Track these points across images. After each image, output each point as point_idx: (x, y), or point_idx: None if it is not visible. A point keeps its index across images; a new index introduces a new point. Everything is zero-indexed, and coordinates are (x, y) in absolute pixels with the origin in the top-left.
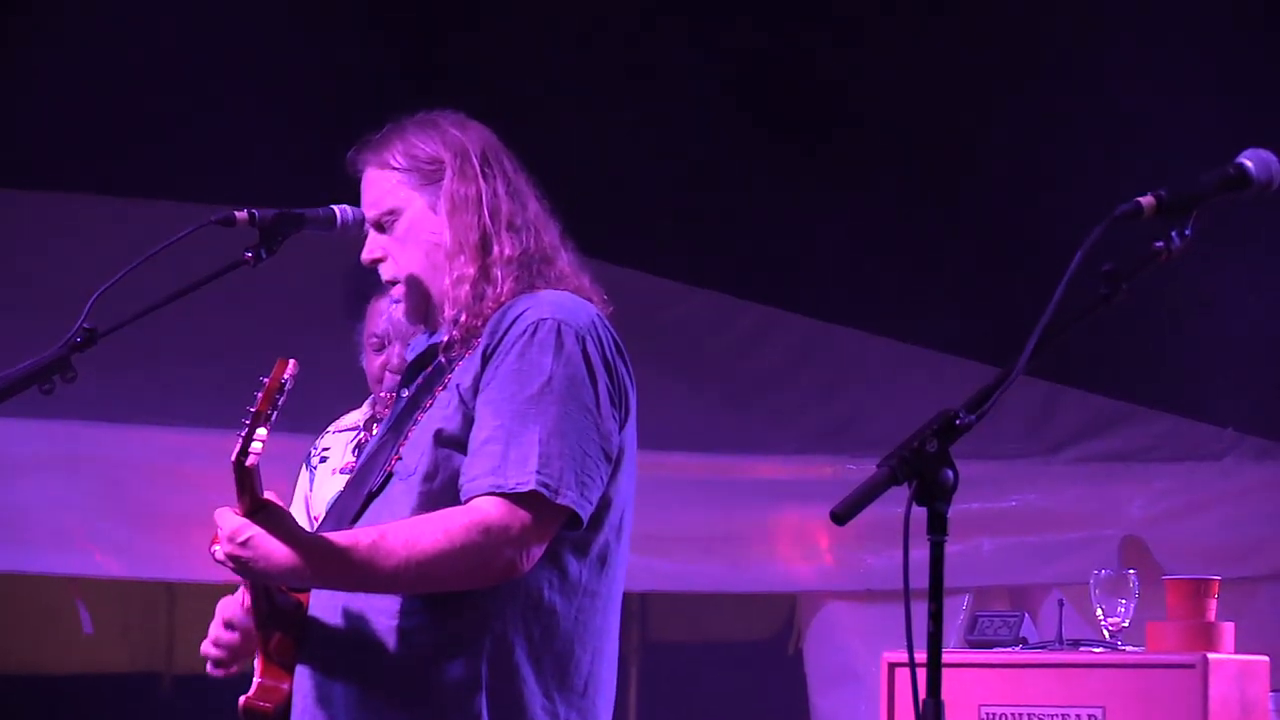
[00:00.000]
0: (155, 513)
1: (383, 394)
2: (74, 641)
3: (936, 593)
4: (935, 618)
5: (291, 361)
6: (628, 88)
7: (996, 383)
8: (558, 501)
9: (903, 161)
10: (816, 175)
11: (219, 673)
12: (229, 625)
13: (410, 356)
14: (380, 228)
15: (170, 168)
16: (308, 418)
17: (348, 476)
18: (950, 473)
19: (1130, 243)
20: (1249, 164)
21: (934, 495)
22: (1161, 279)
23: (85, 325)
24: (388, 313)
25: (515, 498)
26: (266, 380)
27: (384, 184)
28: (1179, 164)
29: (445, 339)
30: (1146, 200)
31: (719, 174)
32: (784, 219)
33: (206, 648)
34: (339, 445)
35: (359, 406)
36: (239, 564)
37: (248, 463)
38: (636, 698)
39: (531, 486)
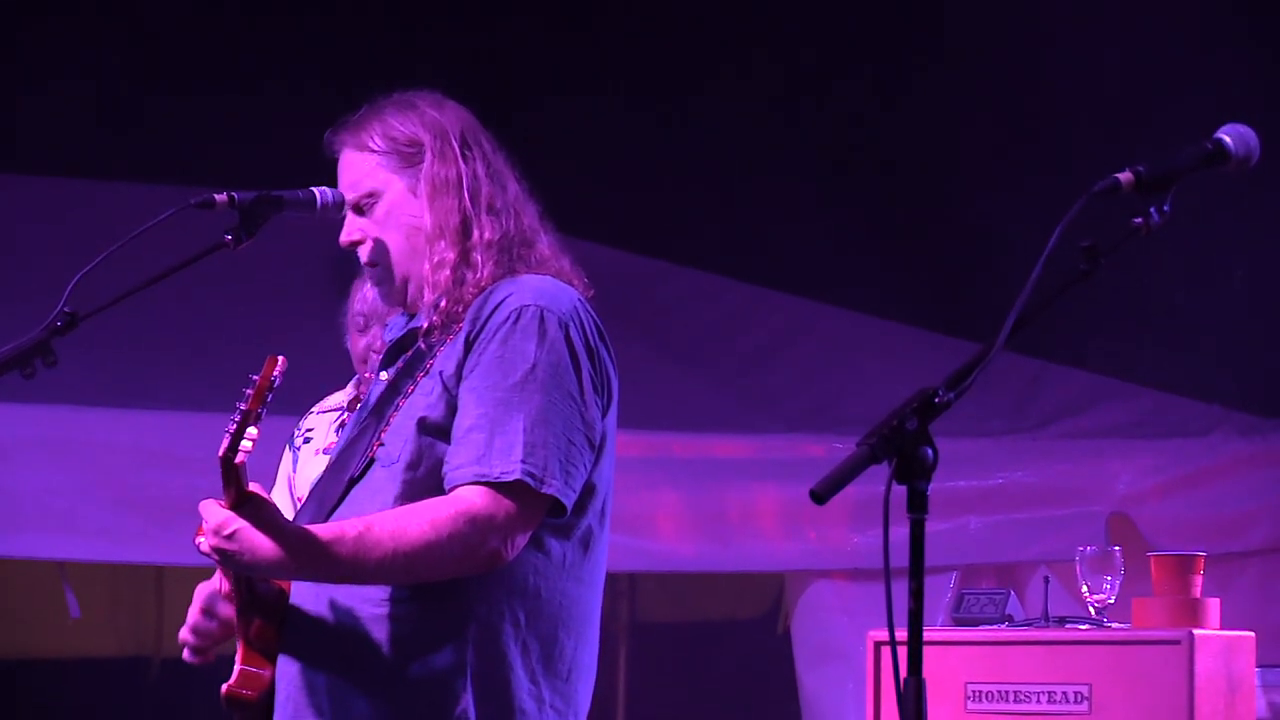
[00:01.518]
0: (143, 496)
1: (367, 375)
2: (61, 626)
3: (917, 570)
4: (916, 595)
5: (281, 359)
6: (611, 67)
7: (975, 360)
8: (543, 491)
9: (886, 140)
10: (802, 154)
11: (196, 660)
12: (208, 613)
13: (388, 339)
14: (359, 210)
15: (150, 151)
16: (291, 400)
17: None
18: (930, 450)
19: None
20: (1227, 139)
21: (914, 473)
22: (1148, 256)
23: (66, 309)
24: (366, 294)
25: (500, 487)
26: (257, 378)
27: (362, 166)
28: (1168, 140)
29: (425, 324)
30: (1125, 176)
31: (705, 154)
32: (769, 198)
33: (184, 634)
34: (323, 426)
35: (343, 387)
36: (224, 557)
37: (236, 460)
38: (625, 677)
39: (516, 476)
